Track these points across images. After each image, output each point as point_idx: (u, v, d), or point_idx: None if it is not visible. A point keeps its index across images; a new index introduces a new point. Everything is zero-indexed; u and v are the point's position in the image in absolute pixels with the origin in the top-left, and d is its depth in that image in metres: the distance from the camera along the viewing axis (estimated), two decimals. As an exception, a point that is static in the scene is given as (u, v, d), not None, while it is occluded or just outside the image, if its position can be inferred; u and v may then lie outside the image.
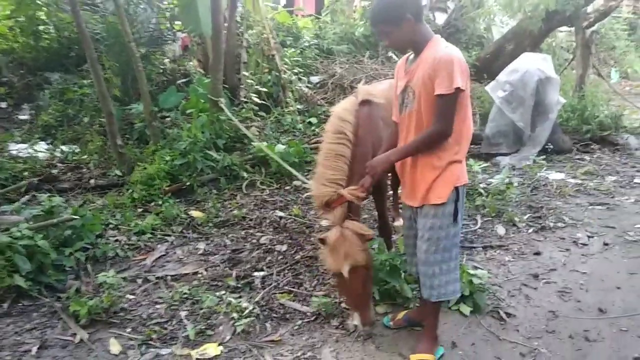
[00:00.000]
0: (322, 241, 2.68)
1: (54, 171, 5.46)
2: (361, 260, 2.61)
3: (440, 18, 12.30)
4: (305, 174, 5.61)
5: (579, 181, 5.60)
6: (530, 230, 4.35)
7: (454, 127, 2.32)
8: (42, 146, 6.03)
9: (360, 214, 2.88)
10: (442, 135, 2.33)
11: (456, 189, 2.40)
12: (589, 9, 8.46)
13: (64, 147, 5.94)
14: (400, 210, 4.54)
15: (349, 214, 2.75)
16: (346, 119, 2.91)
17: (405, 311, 3.01)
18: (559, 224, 4.46)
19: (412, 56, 2.50)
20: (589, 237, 4.20)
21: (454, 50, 2.30)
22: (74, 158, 5.83)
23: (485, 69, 9.59)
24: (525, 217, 4.60)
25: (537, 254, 3.92)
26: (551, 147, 6.58)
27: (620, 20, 16.35)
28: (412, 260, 2.74)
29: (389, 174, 3.70)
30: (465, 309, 3.08)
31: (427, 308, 2.70)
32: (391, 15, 2.33)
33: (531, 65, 6.47)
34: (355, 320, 2.70)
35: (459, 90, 2.22)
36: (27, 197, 4.69)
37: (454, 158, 2.39)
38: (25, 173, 5.16)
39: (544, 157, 6.21)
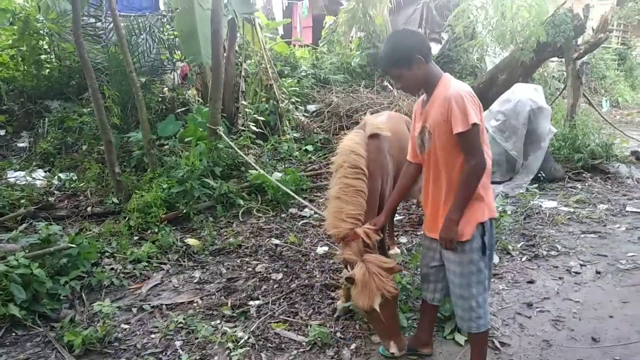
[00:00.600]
0: (350, 280, 2.71)
1: (52, 199, 5.48)
2: (391, 293, 2.67)
3: (435, 49, 12.55)
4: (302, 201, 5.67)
5: (571, 209, 5.66)
6: (524, 259, 4.39)
7: None
8: (40, 174, 6.06)
9: (376, 246, 2.93)
10: (478, 167, 2.38)
11: (482, 224, 2.45)
12: (579, 40, 8.69)
13: (61, 175, 5.98)
14: (395, 239, 4.60)
15: (366, 249, 2.81)
16: (360, 154, 2.99)
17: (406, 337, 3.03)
18: (552, 252, 4.50)
19: (425, 96, 2.58)
20: (581, 265, 4.24)
21: (463, 87, 2.38)
22: (71, 186, 5.86)
23: (478, 98, 9.74)
24: (519, 245, 4.64)
25: (531, 282, 3.95)
26: (543, 175, 6.66)
27: (610, 51, 16.74)
28: (427, 287, 2.79)
29: None
30: (460, 338, 3.10)
31: (473, 341, 2.70)
32: (401, 58, 2.40)
33: (523, 95, 6.61)
34: (391, 348, 2.73)
35: (475, 125, 2.30)
36: (24, 225, 4.70)
37: (476, 194, 2.42)
38: (23, 201, 5.18)
39: (537, 185, 6.29)
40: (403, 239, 4.86)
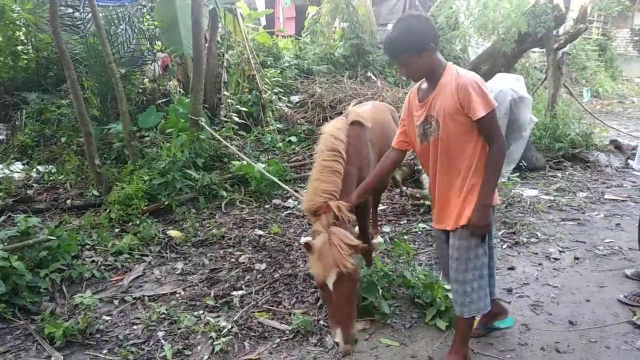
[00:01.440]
0: (308, 247, 2.63)
1: (30, 192, 5.40)
2: (348, 270, 2.52)
3: (418, 39, 12.60)
4: (286, 192, 5.66)
5: (552, 197, 5.75)
6: (505, 246, 4.45)
7: (483, 148, 2.42)
8: (17, 166, 5.96)
9: (348, 228, 2.85)
10: (502, 148, 2.40)
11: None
12: (560, 31, 8.79)
13: (40, 167, 5.88)
14: (378, 228, 4.62)
15: (335, 221, 2.73)
16: (339, 138, 2.98)
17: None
18: (532, 240, 4.57)
19: (424, 85, 2.55)
20: (560, 251, 4.32)
21: (473, 74, 2.38)
22: (50, 178, 5.77)
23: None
24: (500, 232, 4.70)
25: (511, 268, 4.01)
26: (525, 164, 6.74)
27: (590, 42, 16.97)
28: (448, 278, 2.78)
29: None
30: (441, 324, 3.14)
31: (458, 324, 2.71)
32: (414, 44, 2.34)
33: (505, 85, 6.61)
34: (336, 336, 2.51)
35: (494, 108, 2.34)
36: (2, 218, 4.61)
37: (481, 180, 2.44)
38: (0, 194, 5.09)
39: (518, 174, 6.36)
40: (386, 229, 4.89)
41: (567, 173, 6.83)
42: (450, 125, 2.39)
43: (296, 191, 5.93)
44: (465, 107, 2.33)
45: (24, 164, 6.11)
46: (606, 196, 5.84)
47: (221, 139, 5.98)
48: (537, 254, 4.29)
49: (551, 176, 6.69)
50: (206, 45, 6.99)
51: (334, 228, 2.68)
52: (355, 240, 2.66)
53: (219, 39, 8.03)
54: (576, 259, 4.17)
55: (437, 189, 2.57)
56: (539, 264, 4.08)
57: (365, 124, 3.19)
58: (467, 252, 2.50)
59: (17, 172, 5.80)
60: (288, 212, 5.37)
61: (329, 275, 2.52)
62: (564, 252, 4.32)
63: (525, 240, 4.55)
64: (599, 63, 16.73)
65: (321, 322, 3.22)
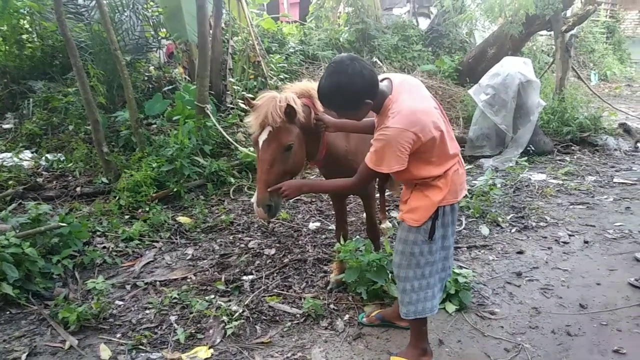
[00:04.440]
0: (250, 104, 2.62)
1: (39, 180, 5.42)
2: (276, 124, 2.48)
3: (424, 23, 12.49)
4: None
5: (560, 181, 5.72)
6: (514, 230, 4.45)
7: (417, 171, 2.28)
8: (26, 155, 5.98)
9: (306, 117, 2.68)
10: (349, 190, 2.51)
11: (437, 208, 2.33)
12: (568, 13, 8.68)
13: (49, 156, 5.90)
14: (386, 213, 4.63)
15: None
16: None
17: (379, 310, 3.08)
18: (541, 224, 4.56)
19: None
20: (570, 235, 4.31)
21: (398, 124, 2.12)
22: (59, 166, 5.79)
23: (468, 73, 9.77)
24: (509, 217, 4.70)
25: (520, 252, 4.01)
26: (533, 148, 6.71)
27: (598, 24, 16.75)
28: None
29: (377, 178, 3.74)
30: (451, 307, 3.15)
31: (410, 324, 2.64)
32: (350, 104, 2.20)
33: (512, 68, 6.61)
34: (254, 197, 2.56)
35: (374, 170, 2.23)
36: (13, 205, 4.66)
37: (435, 184, 2.33)
38: (10, 182, 5.12)
39: (526, 158, 6.33)
40: (394, 213, 4.89)
41: (575, 157, 6.80)
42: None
43: (302, 178, 5.94)
44: None
45: (32, 152, 6.13)
46: (615, 180, 5.80)
47: (221, 130, 5.95)
48: (546, 237, 4.29)
49: (559, 160, 6.65)
50: (211, 31, 6.94)
51: (291, 94, 2.61)
52: (298, 103, 2.56)
53: (223, 25, 7.98)
54: (586, 242, 4.16)
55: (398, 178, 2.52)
56: (549, 248, 4.08)
57: None
58: (412, 246, 2.38)
59: (26, 160, 5.82)
60: (296, 197, 5.38)
61: (261, 132, 2.53)
62: (573, 235, 4.31)
63: (534, 224, 4.54)
64: (607, 46, 16.52)
65: (331, 305, 3.25)
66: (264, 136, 2.54)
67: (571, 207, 4.99)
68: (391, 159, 2.16)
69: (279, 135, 2.53)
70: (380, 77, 2.29)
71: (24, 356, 2.78)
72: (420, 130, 2.15)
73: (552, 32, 8.82)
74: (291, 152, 2.58)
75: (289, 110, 2.50)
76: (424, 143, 2.19)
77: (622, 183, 5.70)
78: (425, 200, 2.34)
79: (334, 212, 3.65)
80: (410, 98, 2.23)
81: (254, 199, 2.57)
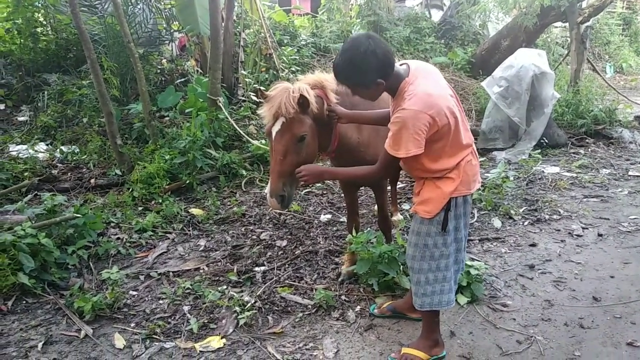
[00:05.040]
0: (263, 95, 2.62)
1: (54, 171, 5.49)
2: (289, 115, 2.48)
3: (436, 15, 12.38)
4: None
5: (574, 174, 5.66)
6: (526, 223, 4.42)
7: (431, 162, 2.29)
8: (41, 147, 6.05)
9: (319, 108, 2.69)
10: (371, 178, 2.51)
11: (450, 199, 2.32)
12: (583, 4, 8.54)
13: (63, 148, 5.96)
14: (398, 205, 4.62)
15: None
16: None
17: (391, 301, 3.08)
18: (554, 216, 4.52)
19: None
20: (583, 228, 4.27)
21: (414, 106, 2.13)
22: (73, 158, 5.86)
23: (481, 65, 9.67)
24: (521, 210, 4.66)
25: (533, 245, 3.98)
26: (546, 141, 6.64)
27: (614, 16, 16.46)
28: None
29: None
30: (463, 299, 3.15)
31: (422, 316, 2.65)
32: (359, 80, 2.22)
33: (526, 60, 6.54)
34: (267, 188, 2.57)
35: (399, 156, 2.20)
36: (29, 196, 4.73)
37: (447, 175, 2.33)
38: (26, 173, 5.19)
39: (540, 151, 6.27)
40: (406, 206, 4.89)
41: (589, 150, 6.72)
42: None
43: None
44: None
45: (47, 145, 6.21)
46: (630, 173, 5.73)
47: (232, 122, 5.96)
48: (559, 230, 4.25)
49: (573, 153, 6.58)
50: (223, 24, 6.95)
51: (304, 85, 2.60)
52: (311, 94, 2.56)
53: (235, 17, 7.98)
54: (600, 235, 4.13)
55: (409, 170, 2.52)
56: (562, 241, 4.05)
57: None
58: (426, 238, 2.38)
59: (41, 152, 5.89)
60: (307, 190, 5.39)
61: (275, 123, 2.54)
62: (587, 228, 4.27)
63: (547, 217, 4.51)
64: (623, 38, 16.24)
65: (343, 297, 3.26)
66: (277, 127, 2.54)
67: (585, 200, 4.94)
68: (408, 141, 2.15)
69: (292, 126, 2.53)
70: (398, 63, 2.30)
71: (40, 345, 2.83)
72: (437, 113, 2.15)
73: (567, 24, 8.69)
74: (304, 143, 2.58)
75: (302, 101, 2.50)
76: (439, 129, 2.18)
77: (637, 176, 5.63)
78: (437, 191, 2.34)
79: (345, 204, 3.66)
80: (427, 82, 2.23)
81: (267, 190, 2.58)
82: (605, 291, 3.28)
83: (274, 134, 2.56)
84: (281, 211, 4.54)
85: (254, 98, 7.14)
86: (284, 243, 4.10)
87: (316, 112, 2.61)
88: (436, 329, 2.63)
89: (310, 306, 3.17)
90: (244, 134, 5.97)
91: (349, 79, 2.26)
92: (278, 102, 2.51)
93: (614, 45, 15.57)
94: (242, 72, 7.62)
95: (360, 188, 4.81)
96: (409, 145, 2.15)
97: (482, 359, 2.65)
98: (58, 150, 5.91)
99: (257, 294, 3.29)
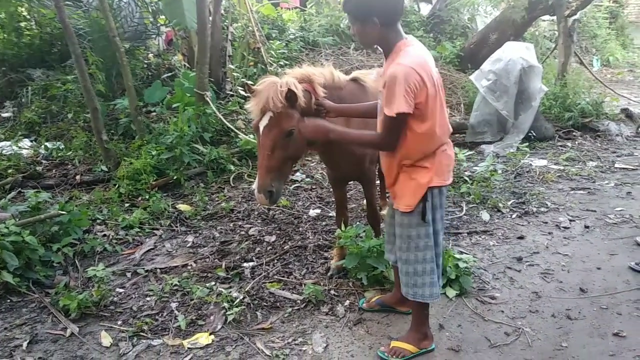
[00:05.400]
0: (250, 89, 2.59)
1: (39, 168, 5.42)
2: (277, 109, 2.45)
3: (425, 9, 12.37)
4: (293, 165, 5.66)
5: (561, 167, 5.70)
6: (514, 216, 4.44)
7: (412, 134, 2.26)
8: (25, 143, 5.97)
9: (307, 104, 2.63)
10: (378, 147, 2.46)
11: (427, 190, 2.31)
12: (571, -3, 8.57)
13: (48, 144, 5.88)
14: (387, 199, 4.61)
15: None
16: (339, 76, 2.95)
17: (380, 295, 3.08)
18: (542, 209, 4.55)
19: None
20: (570, 220, 4.30)
21: (409, 60, 2.15)
22: (58, 154, 5.78)
23: (469, 59, 9.68)
24: (509, 202, 4.68)
25: (521, 238, 4.00)
26: (534, 134, 6.67)
27: (601, 9, 16.54)
28: (388, 248, 2.76)
29: (378, 164, 3.73)
30: (451, 292, 3.15)
31: (411, 306, 2.67)
32: (358, 12, 2.26)
33: (514, 54, 6.55)
34: (255, 184, 2.54)
35: (399, 115, 2.14)
36: (12, 193, 4.65)
37: (422, 164, 2.32)
38: (10, 170, 5.12)
39: (527, 144, 6.30)
40: (395, 200, 4.88)
41: (577, 143, 6.76)
42: (381, 110, 2.29)
43: (303, 165, 5.93)
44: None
45: (31, 141, 6.12)
46: (617, 165, 5.78)
47: (221, 117, 5.91)
48: (546, 223, 4.28)
49: (561, 146, 6.62)
50: (210, 18, 6.88)
51: (292, 79, 2.58)
52: (299, 88, 2.52)
53: (223, 11, 7.91)
54: (586, 227, 4.15)
55: (385, 165, 2.49)
56: (549, 233, 4.07)
57: (365, 84, 3.12)
58: (408, 229, 2.40)
59: (25, 148, 5.81)
60: (296, 185, 5.37)
61: (262, 118, 2.51)
62: (574, 221, 4.30)
63: (534, 209, 4.53)
64: (609, 31, 16.35)
65: (332, 291, 3.25)
66: (264, 122, 2.51)
67: (572, 192, 4.98)
68: (400, 98, 2.13)
69: (280, 121, 2.50)
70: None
71: (25, 344, 2.79)
72: (427, 78, 2.17)
73: (554, 17, 8.73)
74: (292, 137, 2.55)
75: (290, 95, 2.47)
76: (426, 98, 2.18)
77: (624, 168, 5.67)
78: (412, 182, 2.34)
79: (334, 199, 3.64)
80: (422, 52, 2.28)
81: (254, 185, 2.56)
82: (592, 282, 3.30)
83: (261, 128, 2.53)
84: (269, 206, 4.52)
85: (242, 92, 7.09)
86: (273, 238, 4.08)
87: (304, 107, 2.59)
88: (425, 322, 2.64)
89: (299, 301, 3.15)
90: (232, 128, 5.92)
91: (350, 7, 2.28)
92: (265, 96, 2.48)
93: (601, 38, 15.67)
94: (230, 66, 7.56)
95: (350, 182, 4.80)
96: (400, 102, 2.13)
97: (470, 351, 2.65)
98: (42, 146, 5.84)
99: (246, 289, 3.27)
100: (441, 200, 2.41)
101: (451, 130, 2.44)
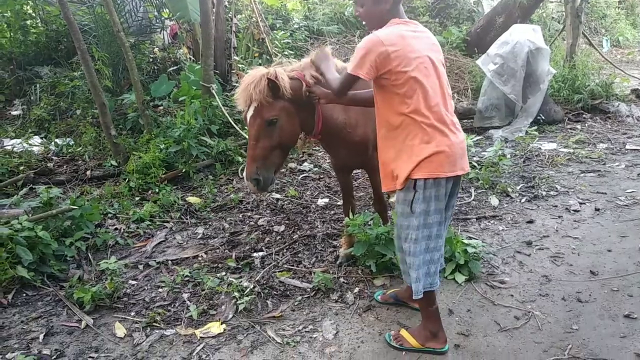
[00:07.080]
0: (239, 76, 2.67)
1: (50, 164, 5.48)
2: (260, 100, 2.53)
3: (430, -6, 12.22)
4: (301, 155, 5.67)
5: (571, 150, 5.65)
6: (523, 200, 4.42)
7: (398, 108, 2.23)
8: (36, 140, 6.03)
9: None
10: (333, 93, 2.44)
11: (414, 180, 2.23)
12: (578, -23, 8.43)
13: (58, 140, 5.94)
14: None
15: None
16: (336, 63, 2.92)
17: (395, 289, 3.07)
18: (551, 192, 4.52)
19: None
20: (580, 203, 4.27)
21: (379, 34, 2.19)
22: (68, 151, 5.84)
23: (476, 43, 9.59)
24: (518, 187, 4.66)
25: (530, 222, 3.99)
26: (543, 117, 6.61)
27: (610, -12, 16.26)
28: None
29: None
30: (460, 278, 3.16)
31: (418, 303, 2.59)
32: None
33: (521, 36, 6.47)
34: (242, 172, 2.66)
35: (351, 75, 2.21)
36: (24, 190, 4.71)
37: (409, 151, 2.25)
38: (21, 167, 5.18)
39: (536, 128, 6.25)
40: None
41: (586, 125, 6.69)
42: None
43: (310, 155, 5.93)
44: None
45: (42, 138, 6.18)
46: (627, 146, 5.72)
47: (224, 111, 5.91)
48: (556, 206, 4.26)
49: (570, 129, 6.56)
50: (214, 10, 6.87)
51: (279, 68, 2.64)
52: (283, 77, 2.57)
53: (226, 3, 7.89)
54: (597, 210, 4.13)
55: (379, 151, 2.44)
56: (559, 217, 4.05)
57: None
58: (400, 218, 2.36)
59: (35, 145, 5.87)
60: (304, 175, 5.38)
61: (249, 108, 2.59)
62: (584, 203, 4.27)
63: (544, 193, 4.51)
64: (619, 11, 16.08)
65: (341, 279, 3.27)
66: (250, 112, 2.61)
67: (582, 175, 4.94)
68: (362, 62, 2.17)
69: (262, 111, 2.58)
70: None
71: (41, 336, 2.84)
72: (398, 56, 2.15)
73: (562, -2, 8.59)
74: (276, 126, 2.61)
75: (272, 85, 2.53)
76: (395, 75, 2.17)
77: (635, 150, 5.61)
78: (407, 150, 2.25)
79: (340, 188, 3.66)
80: (408, 31, 2.26)
81: (244, 174, 2.64)
82: (603, 265, 3.29)
83: (248, 118, 2.62)
84: (259, 194, 4.64)
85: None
86: (282, 228, 4.11)
87: (292, 95, 2.61)
88: (433, 320, 2.53)
89: (309, 289, 3.18)
90: (233, 122, 5.88)
91: None
92: (248, 87, 2.55)
93: (610, 18, 15.42)
94: (235, 58, 7.56)
95: (356, 170, 4.80)
96: (361, 65, 2.17)
97: (480, 336, 2.67)
98: (52, 143, 5.89)
99: (256, 279, 3.30)
100: (437, 193, 2.26)
101: (455, 120, 2.31)
